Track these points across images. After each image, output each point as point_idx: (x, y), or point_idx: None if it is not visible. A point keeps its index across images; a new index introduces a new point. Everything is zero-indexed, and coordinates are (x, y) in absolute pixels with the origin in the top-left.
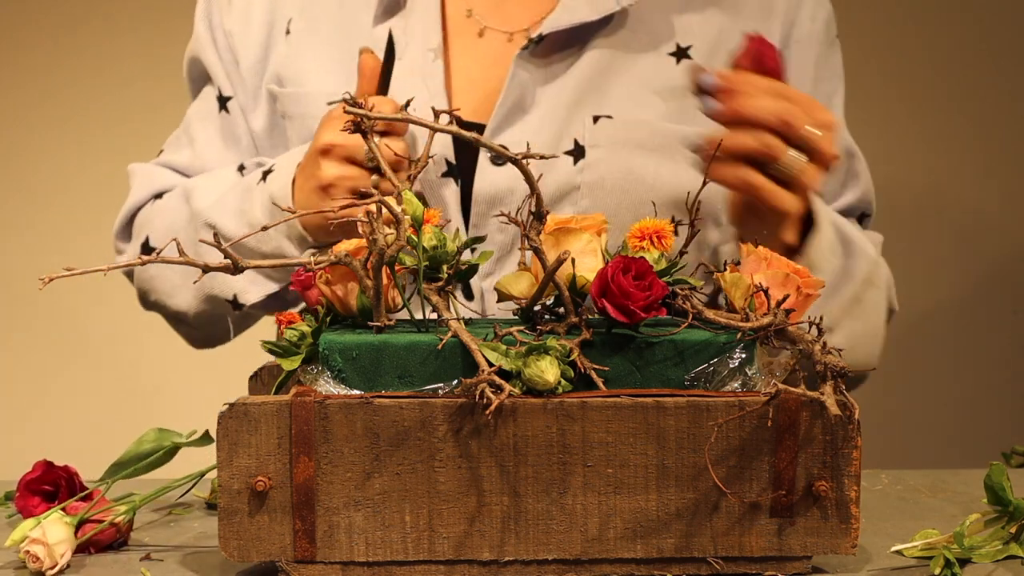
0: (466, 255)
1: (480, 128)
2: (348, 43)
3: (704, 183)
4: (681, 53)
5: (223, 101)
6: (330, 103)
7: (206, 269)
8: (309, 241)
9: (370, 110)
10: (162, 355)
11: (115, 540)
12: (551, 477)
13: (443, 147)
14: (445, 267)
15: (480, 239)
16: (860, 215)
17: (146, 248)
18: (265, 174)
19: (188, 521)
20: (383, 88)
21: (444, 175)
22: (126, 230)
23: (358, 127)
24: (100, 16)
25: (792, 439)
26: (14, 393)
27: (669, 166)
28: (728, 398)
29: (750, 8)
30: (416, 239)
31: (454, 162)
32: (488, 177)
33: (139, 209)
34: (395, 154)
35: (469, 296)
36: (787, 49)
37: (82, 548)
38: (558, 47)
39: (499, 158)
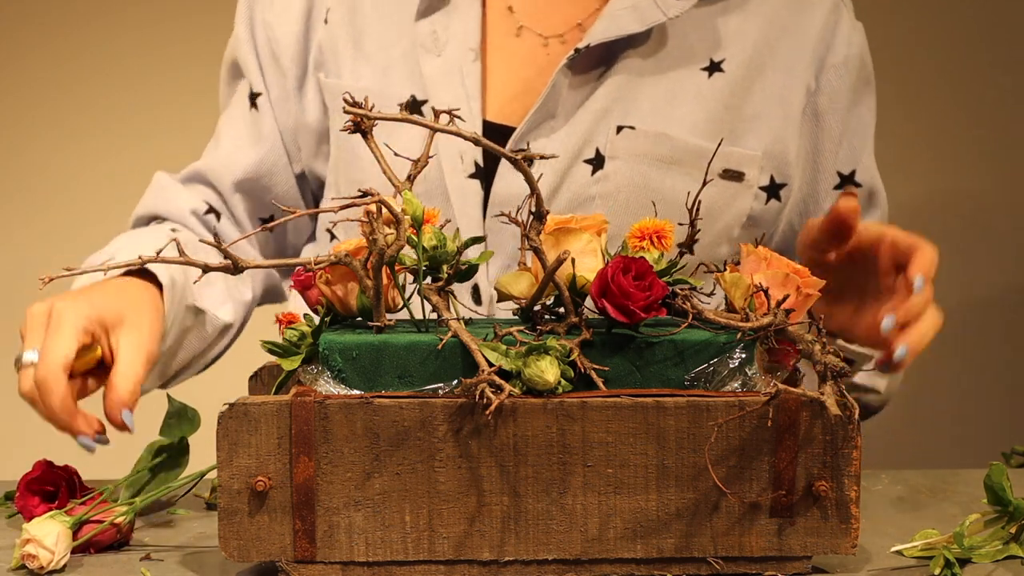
0: (470, 255)
1: (508, 131)
2: (387, 37)
3: (704, 183)
4: (714, 67)
5: (253, 98)
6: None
7: (206, 269)
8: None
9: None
10: None
11: (115, 540)
12: (551, 477)
13: (474, 149)
14: (445, 267)
15: (480, 239)
16: None
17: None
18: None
19: (188, 521)
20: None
21: (471, 176)
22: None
23: (358, 127)
24: (100, 16)
25: (792, 439)
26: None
27: (688, 182)
28: (728, 398)
29: (783, 22)
30: (416, 239)
31: (482, 164)
32: (506, 179)
33: (135, 223)
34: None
35: (478, 301)
36: (823, 73)
37: (82, 548)
38: (595, 55)
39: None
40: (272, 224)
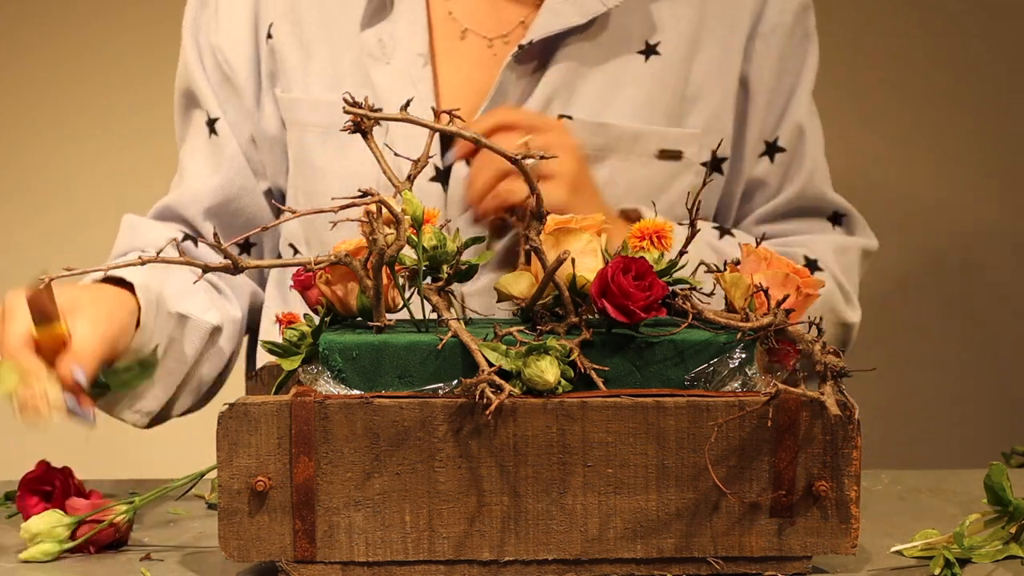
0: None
1: None
2: (334, 48)
3: (705, 183)
4: (650, 51)
5: (211, 124)
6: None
7: (206, 269)
8: None
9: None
10: None
11: (115, 540)
12: (551, 477)
13: (434, 153)
14: (445, 267)
15: (480, 239)
16: (833, 216)
17: None
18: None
19: (188, 521)
20: None
21: (432, 179)
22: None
23: (358, 127)
24: (100, 16)
25: (792, 439)
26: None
27: (623, 168)
28: (728, 398)
29: (719, 2)
30: (416, 239)
31: (441, 168)
32: (462, 183)
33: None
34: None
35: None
36: (752, 42)
37: (82, 548)
38: (537, 50)
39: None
40: (271, 224)
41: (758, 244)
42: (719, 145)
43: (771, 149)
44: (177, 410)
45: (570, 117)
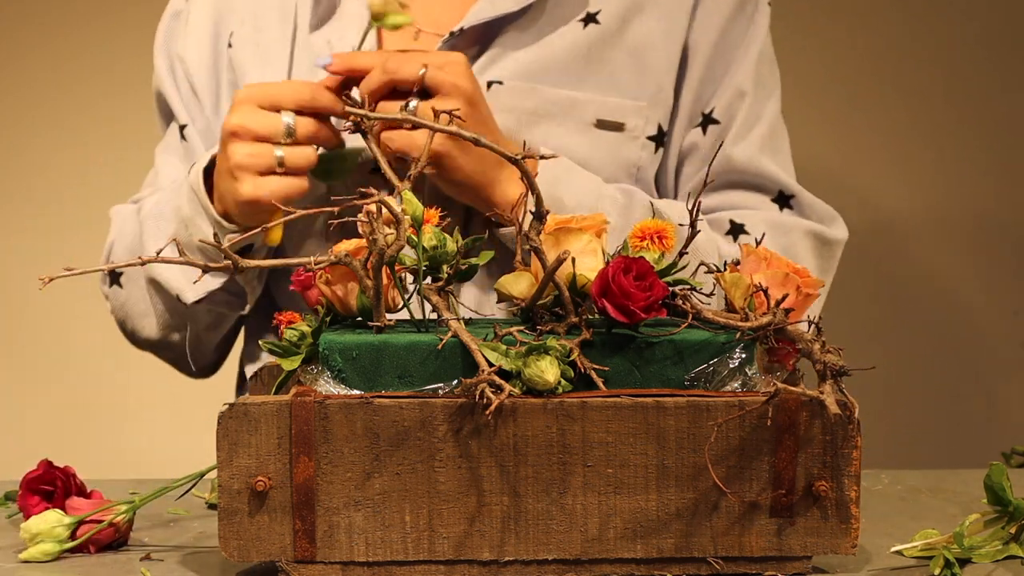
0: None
1: None
2: (287, 52)
3: (705, 184)
4: (589, 19)
5: (182, 130)
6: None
7: (206, 269)
8: (225, 225)
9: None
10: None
11: (115, 540)
12: (551, 477)
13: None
14: (445, 267)
15: (480, 239)
16: (779, 196)
17: (114, 275)
18: (192, 165)
19: (188, 521)
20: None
21: (373, 171)
22: (112, 275)
23: (358, 127)
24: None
25: (792, 439)
26: (15, 393)
27: (559, 133)
28: (728, 398)
29: None
30: (416, 239)
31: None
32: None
33: (109, 253)
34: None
35: None
36: (695, 9)
37: (82, 548)
38: (477, 38)
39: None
40: (270, 225)
41: (759, 243)
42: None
43: (705, 120)
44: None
45: (500, 82)
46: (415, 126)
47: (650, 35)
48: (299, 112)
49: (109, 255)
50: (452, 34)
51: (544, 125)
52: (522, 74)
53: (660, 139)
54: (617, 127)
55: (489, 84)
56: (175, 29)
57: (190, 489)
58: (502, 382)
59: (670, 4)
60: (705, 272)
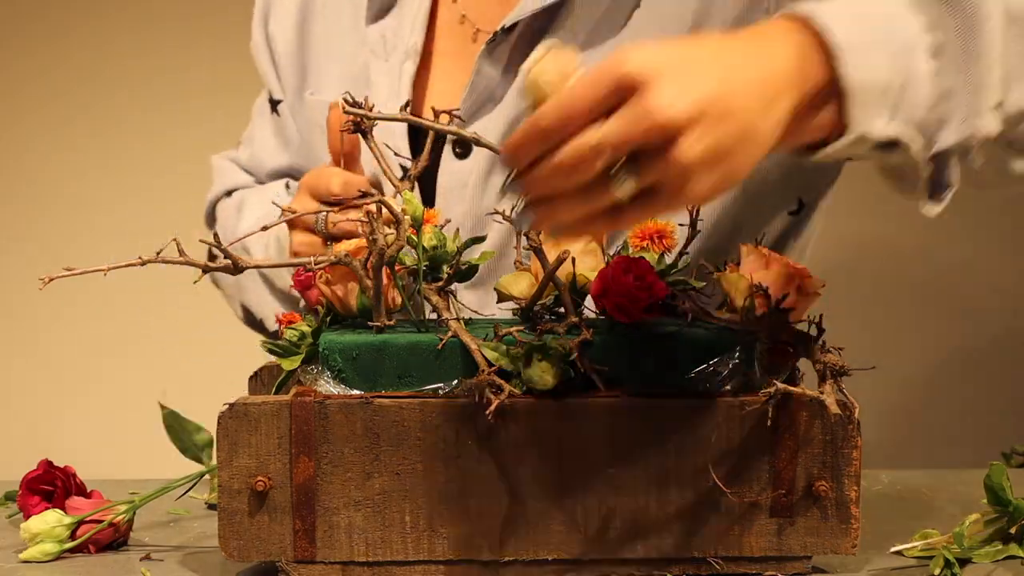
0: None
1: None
2: (350, 45)
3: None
4: (634, 6)
5: (274, 104)
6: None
7: (206, 269)
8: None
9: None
10: (162, 355)
11: (115, 540)
12: (551, 477)
13: (404, 149)
14: (445, 267)
15: (480, 239)
16: (796, 205)
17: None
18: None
19: (188, 521)
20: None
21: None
22: (209, 220)
23: (358, 127)
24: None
25: (792, 439)
26: (16, 393)
27: None
28: (728, 398)
29: None
30: (416, 239)
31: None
32: (430, 178)
33: (216, 203)
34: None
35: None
36: None
37: (82, 548)
38: (526, 36)
39: (463, 144)
40: (270, 224)
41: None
42: None
43: None
44: None
45: None
46: (413, 125)
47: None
48: (333, 202)
49: (212, 209)
50: (496, 33)
51: None
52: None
53: None
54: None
55: None
56: (271, 3)
57: (190, 489)
58: (502, 382)
59: None
60: (706, 272)
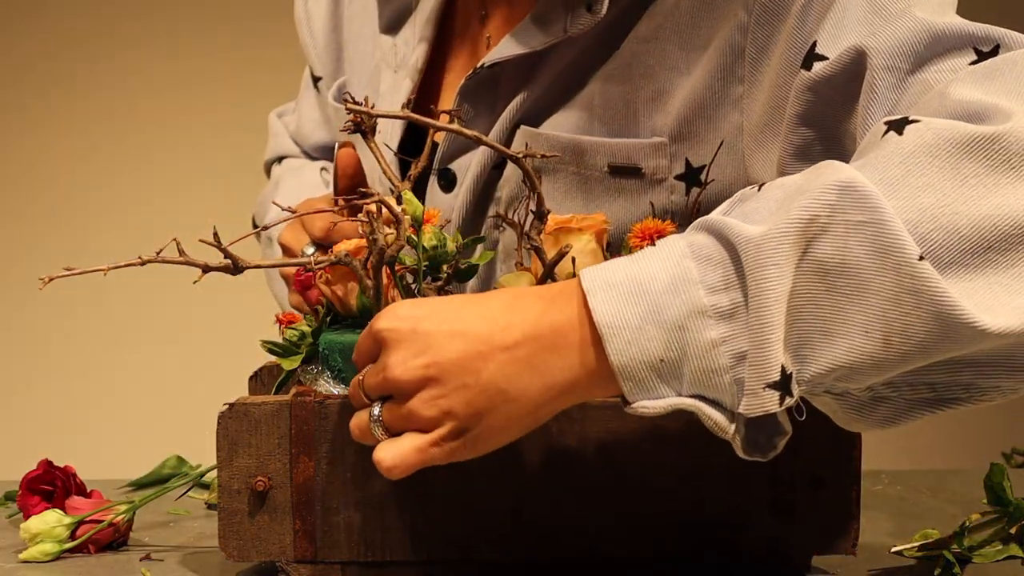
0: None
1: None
2: (368, 51)
3: (704, 185)
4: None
5: (315, 80)
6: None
7: (206, 269)
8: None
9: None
10: (162, 355)
11: (115, 540)
12: (552, 477)
13: (393, 164)
14: (445, 267)
15: (480, 239)
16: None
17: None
18: None
19: (188, 521)
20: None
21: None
22: (268, 173)
23: (358, 127)
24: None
25: (792, 439)
26: (16, 393)
27: (578, 182)
28: None
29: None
30: (416, 239)
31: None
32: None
33: (269, 167)
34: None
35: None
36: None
37: (82, 548)
38: (510, 76)
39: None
40: (271, 224)
41: None
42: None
43: (811, 57)
44: None
45: (520, 127)
46: (411, 122)
47: (671, 61)
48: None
49: (268, 170)
50: (475, 71)
51: (564, 173)
52: (536, 118)
53: (692, 178)
54: (633, 172)
55: (514, 129)
56: None
57: (190, 489)
58: None
59: (695, 16)
60: None
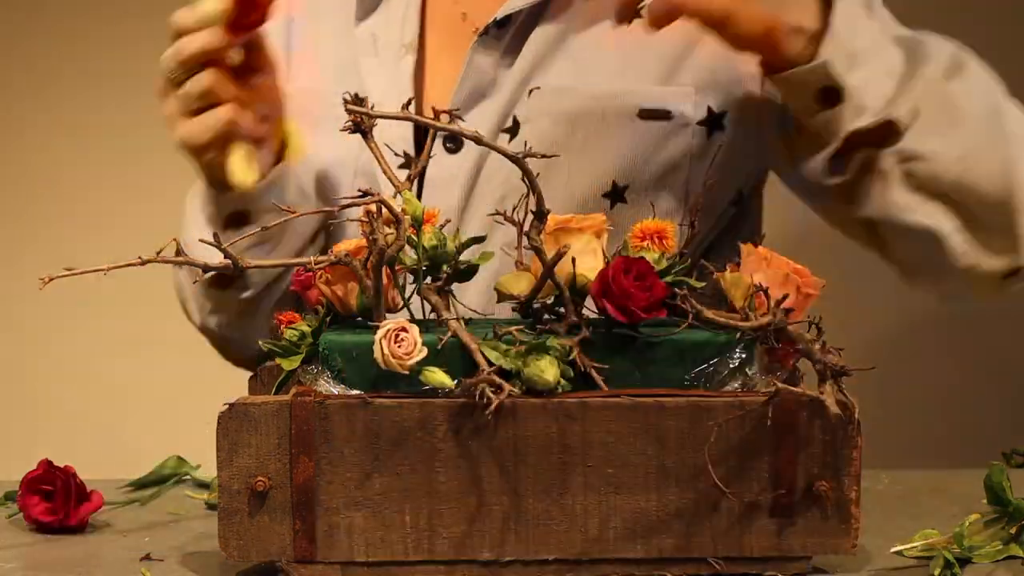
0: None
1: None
2: (339, 43)
3: (705, 186)
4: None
5: None
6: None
7: (206, 269)
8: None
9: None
10: (162, 355)
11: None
12: (551, 477)
13: (404, 143)
14: (445, 267)
15: (480, 239)
16: (736, 195)
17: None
18: None
19: (188, 521)
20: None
21: (399, 167)
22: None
23: (358, 127)
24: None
25: (792, 439)
26: (15, 393)
27: (601, 128)
28: (728, 398)
29: None
30: (416, 239)
31: (412, 154)
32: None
33: None
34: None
35: None
36: None
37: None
38: (521, 28)
39: (452, 139)
40: (271, 224)
41: (757, 245)
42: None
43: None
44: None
45: (539, 88)
46: (417, 123)
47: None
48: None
49: None
50: (488, 25)
51: (585, 123)
52: (564, 75)
53: (715, 122)
54: (663, 115)
55: (531, 92)
56: None
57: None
58: (502, 382)
59: None
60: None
